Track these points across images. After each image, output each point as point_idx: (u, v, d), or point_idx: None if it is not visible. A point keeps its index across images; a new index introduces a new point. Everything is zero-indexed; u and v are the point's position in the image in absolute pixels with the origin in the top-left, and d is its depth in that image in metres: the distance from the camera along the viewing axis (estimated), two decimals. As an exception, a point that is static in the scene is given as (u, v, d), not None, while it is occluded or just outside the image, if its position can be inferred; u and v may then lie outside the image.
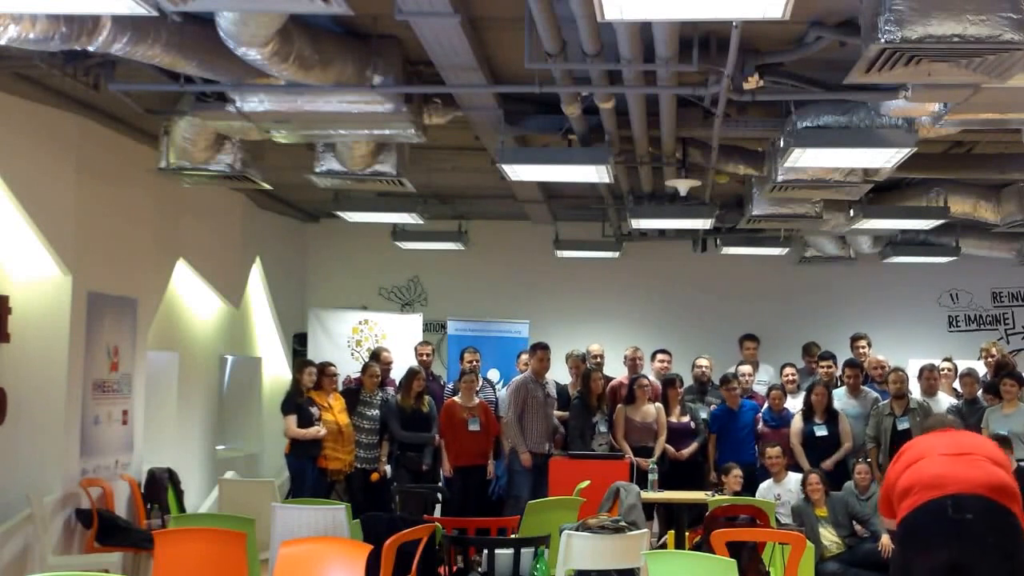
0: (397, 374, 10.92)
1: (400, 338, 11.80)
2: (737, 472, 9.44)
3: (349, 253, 13.43)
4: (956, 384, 10.53)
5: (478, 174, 10.17)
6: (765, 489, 9.52)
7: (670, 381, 10.45)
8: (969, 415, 9.65)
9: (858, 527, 9.03)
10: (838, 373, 10.73)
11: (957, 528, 4.71)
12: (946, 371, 10.70)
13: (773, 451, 9.58)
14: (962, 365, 10.67)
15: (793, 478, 9.45)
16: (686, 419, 10.34)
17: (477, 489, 10.26)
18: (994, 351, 10.81)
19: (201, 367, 11.04)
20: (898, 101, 6.33)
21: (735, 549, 6.34)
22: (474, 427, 10.16)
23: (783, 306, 13.21)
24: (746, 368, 11.13)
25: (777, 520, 9.02)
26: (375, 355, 10.98)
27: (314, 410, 9.87)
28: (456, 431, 10.18)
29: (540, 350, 10.50)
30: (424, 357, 11.06)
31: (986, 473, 4.84)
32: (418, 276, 13.61)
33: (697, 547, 6.72)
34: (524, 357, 10.94)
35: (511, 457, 10.21)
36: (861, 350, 11.23)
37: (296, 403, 9.91)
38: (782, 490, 9.43)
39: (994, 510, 4.73)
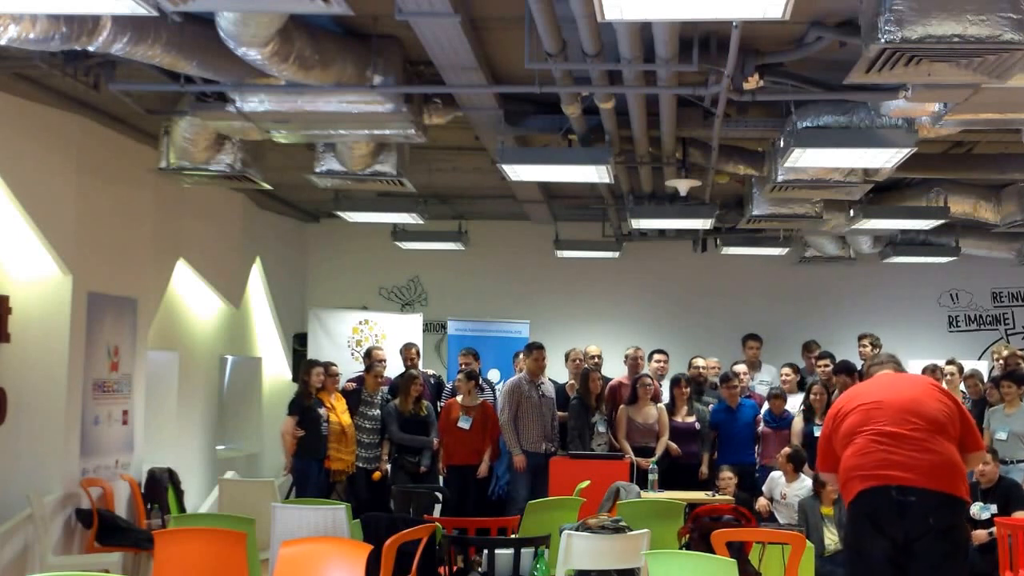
0: (391, 372, 10.91)
1: (400, 338, 11.78)
2: (727, 475, 9.42)
3: (349, 253, 13.43)
4: (962, 387, 10.52)
5: (478, 174, 10.18)
6: (773, 480, 9.43)
7: (677, 381, 10.46)
8: (979, 416, 9.64)
9: None
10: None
11: (902, 509, 5.18)
12: (948, 376, 10.62)
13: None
14: (964, 366, 10.65)
15: (807, 483, 9.34)
16: (692, 419, 10.34)
17: (476, 489, 10.25)
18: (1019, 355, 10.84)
19: (201, 367, 11.03)
20: (898, 101, 6.33)
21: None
22: (463, 424, 10.11)
23: (783, 306, 13.21)
24: (740, 368, 11.14)
25: (776, 519, 9.02)
26: (367, 354, 10.97)
27: (322, 411, 9.88)
28: (451, 430, 10.17)
29: (536, 350, 10.46)
30: (411, 360, 11.02)
31: (928, 460, 5.23)
32: (418, 276, 13.61)
33: (686, 547, 6.69)
34: (521, 357, 10.84)
35: (511, 458, 10.21)
36: (863, 349, 11.21)
37: (302, 405, 9.91)
38: (790, 490, 9.31)
39: (934, 495, 5.19)
